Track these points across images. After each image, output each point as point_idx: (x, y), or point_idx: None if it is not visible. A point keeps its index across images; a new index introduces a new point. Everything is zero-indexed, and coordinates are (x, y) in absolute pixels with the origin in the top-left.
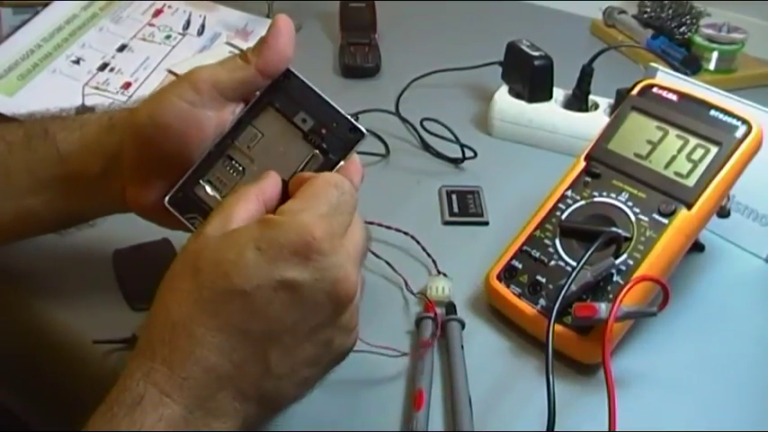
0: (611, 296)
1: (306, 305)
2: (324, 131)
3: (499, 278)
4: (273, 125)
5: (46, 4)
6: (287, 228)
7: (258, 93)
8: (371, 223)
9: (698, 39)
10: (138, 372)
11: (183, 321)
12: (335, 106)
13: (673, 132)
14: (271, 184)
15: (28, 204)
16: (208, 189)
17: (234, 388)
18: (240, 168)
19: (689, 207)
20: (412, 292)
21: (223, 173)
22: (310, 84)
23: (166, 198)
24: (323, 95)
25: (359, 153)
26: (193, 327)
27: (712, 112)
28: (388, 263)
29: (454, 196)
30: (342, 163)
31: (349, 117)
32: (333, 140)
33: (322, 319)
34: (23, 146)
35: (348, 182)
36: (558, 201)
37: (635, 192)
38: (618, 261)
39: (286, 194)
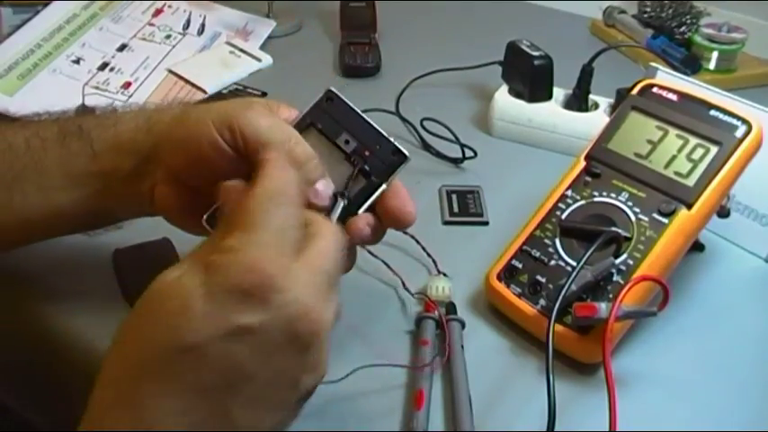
0: (611, 296)
1: (264, 350)
2: (367, 153)
3: (499, 278)
4: (316, 146)
5: (46, 4)
6: (233, 269)
7: (301, 114)
8: None
9: (698, 38)
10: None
11: (129, 389)
12: (378, 128)
13: (673, 132)
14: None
15: (58, 201)
16: None
17: None
18: None
19: (689, 207)
20: (409, 291)
21: None
22: (354, 106)
23: (204, 216)
24: (366, 117)
25: None
26: (142, 397)
27: (712, 112)
28: (385, 263)
29: (454, 196)
30: (384, 186)
31: (392, 140)
32: (376, 163)
33: (284, 361)
34: (58, 142)
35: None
36: (558, 200)
37: (635, 191)
38: (618, 261)
39: None
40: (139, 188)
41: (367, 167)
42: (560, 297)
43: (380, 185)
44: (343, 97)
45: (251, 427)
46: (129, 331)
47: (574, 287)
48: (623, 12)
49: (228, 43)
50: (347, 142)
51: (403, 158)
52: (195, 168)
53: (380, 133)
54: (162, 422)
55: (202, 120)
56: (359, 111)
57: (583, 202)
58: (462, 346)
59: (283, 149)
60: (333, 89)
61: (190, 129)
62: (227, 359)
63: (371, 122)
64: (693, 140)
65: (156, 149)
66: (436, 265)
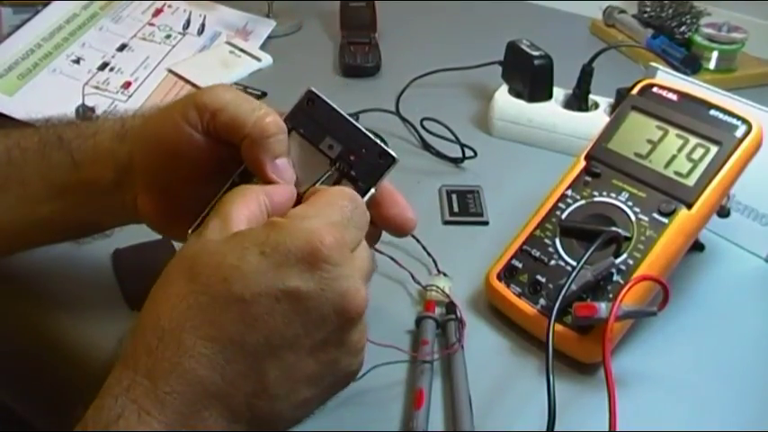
0: (611, 296)
1: (309, 318)
2: (352, 158)
3: (499, 278)
4: (299, 152)
5: (46, 4)
6: (295, 232)
7: (281, 117)
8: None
9: (698, 38)
10: (117, 386)
11: (173, 328)
12: (363, 130)
13: (673, 132)
14: (280, 191)
15: (42, 212)
16: None
17: (223, 406)
18: None
19: (689, 207)
20: (419, 284)
21: None
22: (337, 107)
23: (190, 230)
24: (350, 119)
25: None
26: (184, 335)
27: (712, 112)
28: (392, 258)
29: (454, 196)
30: (372, 191)
31: (378, 141)
32: (362, 167)
33: (327, 334)
34: (38, 153)
35: (362, 200)
36: (558, 200)
37: (635, 191)
38: (618, 261)
39: None
40: (122, 199)
41: (353, 173)
42: (560, 297)
43: (369, 191)
44: (324, 98)
45: (284, 396)
46: (178, 285)
47: (574, 287)
48: (623, 12)
49: (228, 43)
50: (331, 147)
51: (390, 161)
52: (169, 166)
53: (366, 135)
54: (197, 368)
55: (166, 110)
56: (342, 112)
57: (583, 201)
58: (462, 346)
59: (251, 120)
60: (313, 89)
61: (156, 123)
62: (272, 319)
63: (356, 124)
64: (693, 140)
65: (131, 156)
66: (436, 265)
